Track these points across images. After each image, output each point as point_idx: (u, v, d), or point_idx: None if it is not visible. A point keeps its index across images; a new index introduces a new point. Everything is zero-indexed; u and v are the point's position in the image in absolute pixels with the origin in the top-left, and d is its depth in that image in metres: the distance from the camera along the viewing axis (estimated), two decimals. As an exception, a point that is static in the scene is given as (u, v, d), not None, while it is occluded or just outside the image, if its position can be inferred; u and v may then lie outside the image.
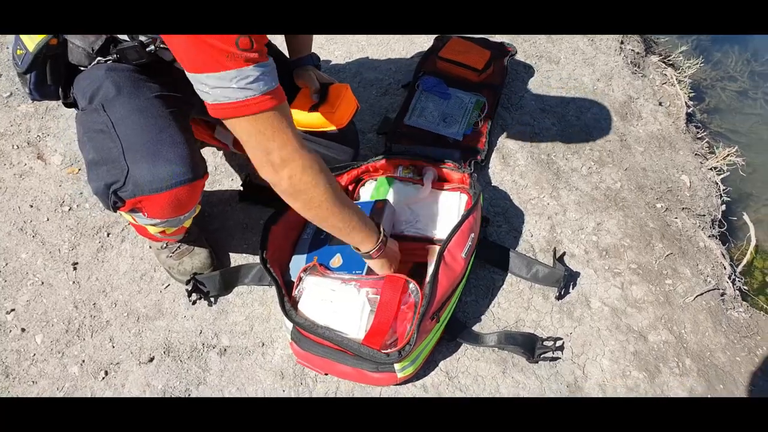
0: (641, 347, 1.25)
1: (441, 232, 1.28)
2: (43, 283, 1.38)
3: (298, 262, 1.26)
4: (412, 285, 1.09)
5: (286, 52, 1.38)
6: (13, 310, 1.33)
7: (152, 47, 1.06)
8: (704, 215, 1.54)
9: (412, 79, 1.72)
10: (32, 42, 1.04)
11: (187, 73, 0.85)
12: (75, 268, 1.40)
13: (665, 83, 1.95)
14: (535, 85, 1.80)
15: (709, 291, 1.35)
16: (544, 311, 1.29)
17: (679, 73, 2.08)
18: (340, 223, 1.01)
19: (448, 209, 1.31)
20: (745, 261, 1.52)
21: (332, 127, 1.27)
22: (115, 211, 1.07)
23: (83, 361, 1.26)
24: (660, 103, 1.82)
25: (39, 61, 1.05)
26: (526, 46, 1.92)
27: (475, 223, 1.23)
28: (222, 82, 0.82)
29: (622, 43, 1.99)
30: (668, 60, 2.14)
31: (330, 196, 0.96)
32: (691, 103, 1.95)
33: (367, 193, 1.38)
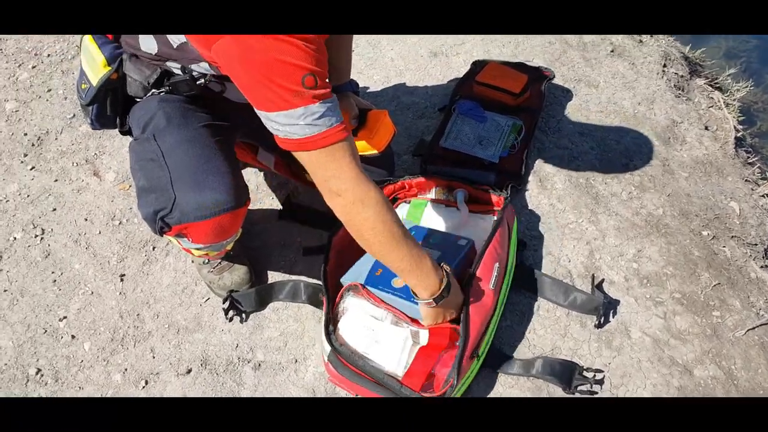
0: (686, 382, 1.16)
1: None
2: (92, 293, 1.41)
3: (360, 268, 1.19)
4: (458, 331, 1.05)
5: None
6: (65, 317, 1.36)
7: (202, 81, 1.09)
8: (756, 244, 1.42)
9: (449, 103, 1.69)
10: (96, 77, 1.10)
11: (256, 110, 0.89)
12: (122, 280, 1.43)
13: (712, 107, 1.85)
14: (573, 109, 1.73)
15: (762, 325, 1.24)
16: (581, 339, 1.22)
17: (728, 96, 1.97)
18: (390, 263, 0.98)
19: (484, 231, 1.26)
20: (802, 295, 1.39)
21: (371, 151, 1.27)
22: (162, 236, 1.10)
23: (126, 369, 1.27)
24: (706, 128, 1.72)
25: (101, 94, 1.11)
26: (564, 70, 1.86)
27: (497, 251, 1.16)
28: (290, 119, 0.86)
29: (664, 66, 1.91)
30: (715, 83, 2.03)
31: (380, 233, 0.93)
32: (741, 127, 1.83)
33: (400, 214, 1.35)
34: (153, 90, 1.10)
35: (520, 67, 1.76)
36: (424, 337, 1.04)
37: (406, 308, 1.08)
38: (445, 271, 1.02)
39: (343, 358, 1.07)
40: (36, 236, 1.51)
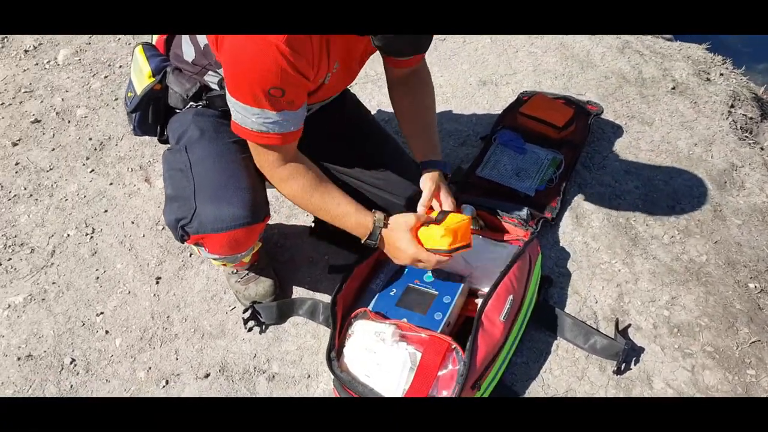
0: (708, 442, 1.13)
1: (491, 283, 1.27)
2: (129, 292, 1.55)
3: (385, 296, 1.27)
4: (457, 350, 1.08)
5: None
6: (102, 313, 1.51)
7: None
8: (811, 303, 1.37)
9: (490, 132, 1.74)
10: (140, 86, 1.23)
11: (226, 89, 1.02)
12: (157, 282, 1.56)
13: (782, 152, 1.79)
14: (621, 146, 1.74)
15: (802, 390, 1.19)
16: (598, 384, 1.22)
17: (803, 142, 1.90)
18: (326, 213, 1.15)
19: (502, 260, 1.29)
20: None
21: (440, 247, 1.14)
22: (183, 243, 1.21)
23: (150, 368, 1.39)
24: (772, 174, 1.68)
25: (144, 102, 1.25)
26: (617, 106, 1.87)
27: (513, 284, 1.20)
28: (245, 112, 1.00)
29: (732, 107, 1.87)
30: (791, 128, 1.96)
31: (304, 197, 1.13)
32: (814, 176, 1.76)
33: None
34: (191, 103, 1.23)
35: (568, 100, 1.79)
36: (417, 358, 1.09)
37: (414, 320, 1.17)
38: (375, 212, 1.15)
39: (344, 384, 1.12)
40: (87, 234, 1.69)
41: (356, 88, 2.06)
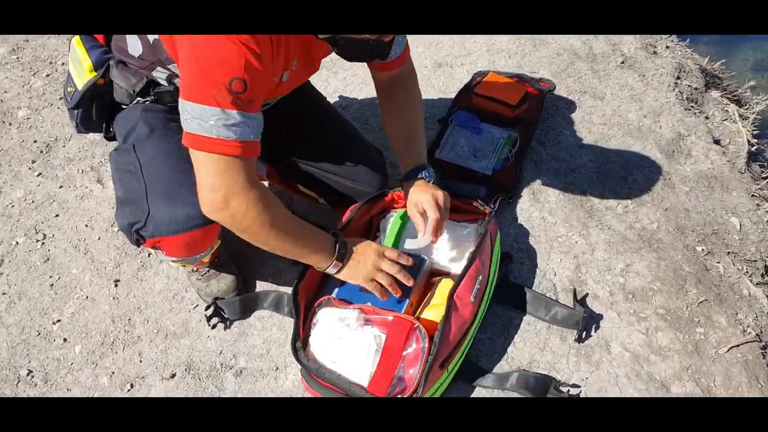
0: (663, 398, 1.21)
1: (456, 265, 1.32)
2: (87, 297, 1.53)
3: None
4: (420, 328, 1.12)
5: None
6: (59, 320, 1.49)
7: None
8: (755, 261, 1.46)
9: (446, 114, 1.79)
10: (81, 81, 1.18)
11: (179, 99, 0.94)
12: (116, 285, 1.55)
13: (726, 120, 1.90)
14: (575, 121, 1.81)
15: (747, 343, 1.28)
16: (560, 353, 1.28)
17: (746, 109, 2.02)
18: (288, 253, 1.11)
19: (465, 241, 1.34)
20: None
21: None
22: (138, 247, 1.18)
23: (113, 372, 1.38)
24: (717, 141, 1.77)
25: (86, 98, 1.20)
26: (569, 82, 1.94)
27: (482, 265, 1.24)
28: (202, 114, 0.90)
29: (678, 78, 1.97)
30: (734, 96, 2.08)
31: (274, 232, 1.03)
32: (756, 141, 1.87)
33: (386, 224, 1.44)
34: (138, 98, 1.19)
35: (521, 78, 1.85)
36: (383, 340, 1.12)
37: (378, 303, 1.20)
38: (333, 234, 1.16)
39: (311, 372, 1.15)
40: (37, 241, 1.67)
41: (310, 76, 2.07)
